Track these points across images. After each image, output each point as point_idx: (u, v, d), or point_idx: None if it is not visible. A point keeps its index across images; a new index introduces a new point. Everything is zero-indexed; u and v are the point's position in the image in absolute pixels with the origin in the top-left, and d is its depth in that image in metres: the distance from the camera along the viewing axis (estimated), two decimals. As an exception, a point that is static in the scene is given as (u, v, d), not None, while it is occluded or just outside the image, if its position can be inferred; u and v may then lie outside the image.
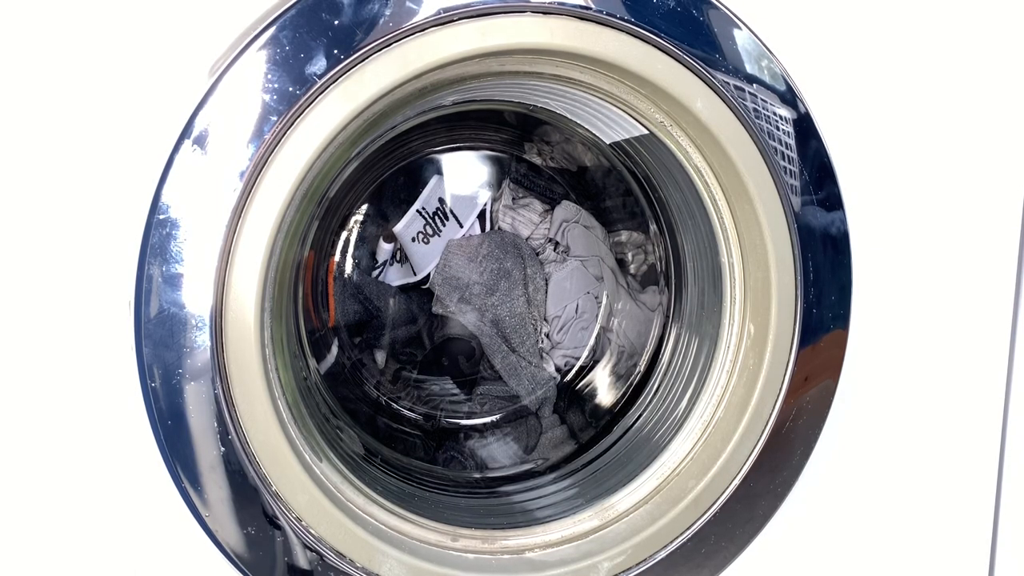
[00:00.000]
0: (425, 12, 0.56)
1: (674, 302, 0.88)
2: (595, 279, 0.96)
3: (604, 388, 0.95)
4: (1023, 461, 0.77)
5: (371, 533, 0.62)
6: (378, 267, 0.96)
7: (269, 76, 0.54)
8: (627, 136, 0.74)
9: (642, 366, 0.91)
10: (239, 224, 0.55)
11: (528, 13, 0.58)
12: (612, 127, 0.75)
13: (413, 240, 0.94)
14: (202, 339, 0.55)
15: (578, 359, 0.98)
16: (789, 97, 0.65)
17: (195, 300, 0.55)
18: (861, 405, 0.74)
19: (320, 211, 0.85)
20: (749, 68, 0.63)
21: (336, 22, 0.55)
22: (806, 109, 0.65)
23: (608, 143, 0.81)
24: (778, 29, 0.64)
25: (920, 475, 0.77)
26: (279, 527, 0.60)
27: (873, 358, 0.73)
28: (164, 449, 0.56)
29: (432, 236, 0.95)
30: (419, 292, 0.97)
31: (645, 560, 0.67)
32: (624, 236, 0.97)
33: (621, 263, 0.97)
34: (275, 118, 0.54)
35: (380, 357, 0.98)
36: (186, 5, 0.58)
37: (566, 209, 0.95)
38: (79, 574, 0.64)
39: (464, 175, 0.97)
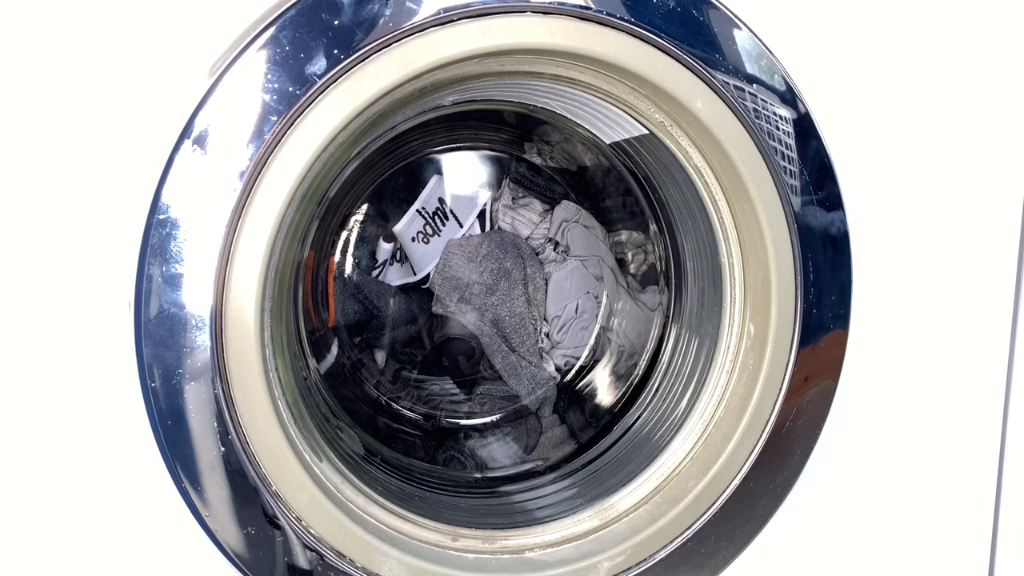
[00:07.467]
0: (425, 12, 0.56)
1: (674, 302, 0.88)
2: (595, 279, 0.96)
3: (604, 388, 0.95)
4: (1023, 461, 0.77)
5: (371, 533, 0.62)
6: (378, 267, 0.96)
7: (269, 76, 0.54)
8: (627, 136, 0.74)
9: (642, 366, 0.91)
10: (239, 224, 0.55)
11: (528, 13, 0.58)
12: (612, 127, 0.75)
13: (413, 240, 0.94)
14: (202, 339, 0.55)
15: (578, 359, 0.98)
16: (789, 97, 0.65)
17: (195, 300, 0.55)
18: (861, 405, 0.74)
19: (320, 211, 0.85)
20: (749, 68, 0.63)
21: (336, 22, 0.55)
22: (806, 109, 0.65)
23: (608, 143, 0.81)
24: (778, 29, 0.64)
25: (920, 475, 0.77)
26: (279, 527, 0.60)
27: (873, 358, 0.73)
28: (164, 449, 0.56)
29: (432, 236, 0.95)
30: (419, 292, 0.97)
31: (645, 560, 0.67)
32: (624, 236, 0.97)
33: (621, 263, 0.97)
34: (275, 118, 0.54)
35: (380, 357, 0.98)
36: (186, 5, 0.58)
37: (566, 209, 0.95)
38: (79, 574, 0.64)
39: (464, 175, 0.97)
